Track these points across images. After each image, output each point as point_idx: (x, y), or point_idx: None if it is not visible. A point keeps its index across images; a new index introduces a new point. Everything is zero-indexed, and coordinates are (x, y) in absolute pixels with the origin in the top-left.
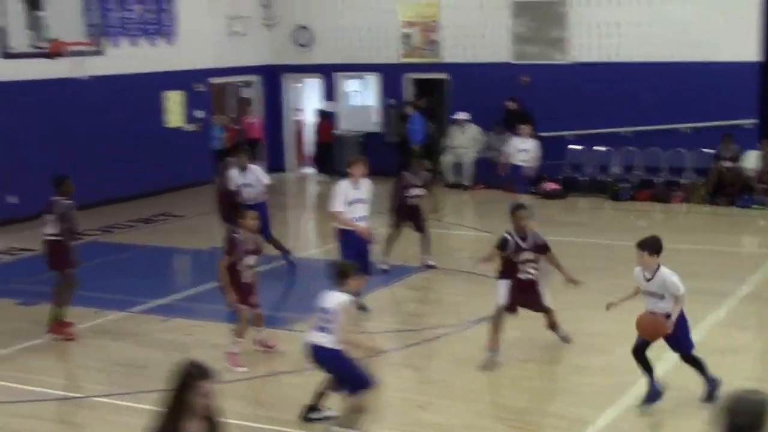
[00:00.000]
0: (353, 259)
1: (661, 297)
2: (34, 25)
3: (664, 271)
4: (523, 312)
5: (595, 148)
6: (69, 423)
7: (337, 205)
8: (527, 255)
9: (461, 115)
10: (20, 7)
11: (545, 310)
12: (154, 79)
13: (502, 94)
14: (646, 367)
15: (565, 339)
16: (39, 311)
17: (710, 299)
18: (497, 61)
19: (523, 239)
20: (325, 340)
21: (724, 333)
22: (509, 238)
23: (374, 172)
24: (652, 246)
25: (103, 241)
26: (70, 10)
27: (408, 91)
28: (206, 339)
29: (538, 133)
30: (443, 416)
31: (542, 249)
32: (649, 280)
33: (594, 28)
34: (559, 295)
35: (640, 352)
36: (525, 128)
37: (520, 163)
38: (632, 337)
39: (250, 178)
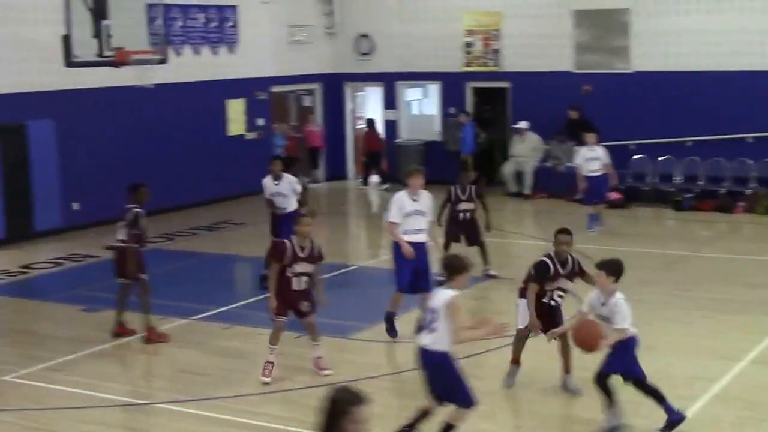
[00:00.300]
0: (406, 274)
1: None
2: (99, 33)
3: (619, 299)
4: None
5: (657, 157)
6: (134, 429)
7: (393, 216)
8: (562, 282)
9: (521, 124)
10: (85, 17)
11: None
12: (216, 87)
13: (563, 103)
14: (607, 393)
15: (575, 390)
16: (103, 317)
17: None
18: (559, 70)
19: (563, 265)
20: (431, 342)
21: None
22: (549, 264)
23: (435, 182)
24: (611, 268)
25: (165, 249)
26: (135, 19)
27: (469, 100)
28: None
29: (601, 143)
30: (506, 428)
31: (580, 274)
32: (603, 304)
33: (656, 37)
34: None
35: (601, 379)
36: (591, 136)
37: (591, 173)
38: (687, 350)
39: (284, 187)
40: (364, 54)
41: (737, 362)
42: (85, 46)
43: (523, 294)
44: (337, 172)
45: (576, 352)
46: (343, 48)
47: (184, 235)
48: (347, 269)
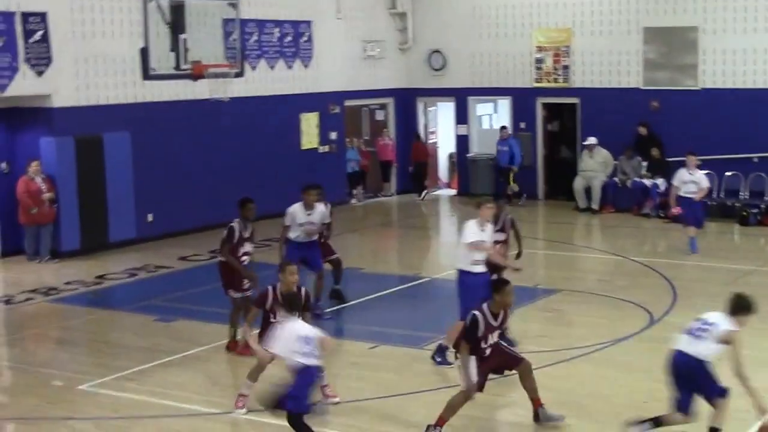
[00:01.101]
0: (470, 303)
1: None
2: (177, 47)
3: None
4: None
5: (724, 173)
6: None
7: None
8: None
9: (590, 140)
10: (163, 30)
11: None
12: (290, 100)
13: (631, 119)
14: None
15: (550, 419)
16: (176, 328)
17: None
18: (627, 86)
19: (495, 317)
20: (693, 348)
21: None
22: (479, 317)
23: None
24: None
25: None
26: (211, 33)
27: (539, 115)
28: (344, 358)
29: (667, 159)
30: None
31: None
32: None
33: (725, 54)
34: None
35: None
36: (692, 159)
37: (689, 195)
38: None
39: (315, 217)
40: (437, 69)
41: None
42: (163, 60)
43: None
44: (407, 185)
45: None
46: (416, 63)
47: (258, 246)
48: (420, 281)
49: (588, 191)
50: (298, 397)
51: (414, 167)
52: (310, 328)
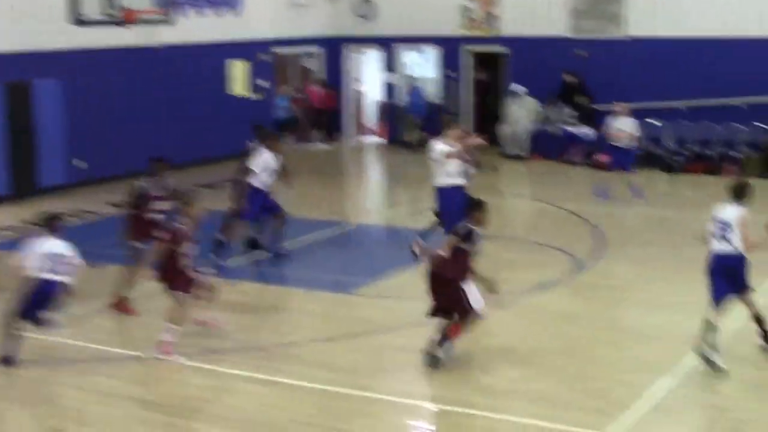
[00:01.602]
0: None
1: None
2: None
3: None
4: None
5: (649, 120)
6: (146, 384)
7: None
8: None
9: (516, 87)
10: None
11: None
12: (219, 48)
13: (559, 67)
14: None
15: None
16: (107, 273)
17: (764, 269)
18: (555, 35)
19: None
20: (729, 247)
21: None
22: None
23: None
24: None
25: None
26: None
27: (467, 64)
28: (270, 302)
29: (594, 107)
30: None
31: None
32: None
33: (651, 3)
34: (609, 264)
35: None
36: (620, 107)
37: (618, 143)
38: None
39: (278, 163)
40: (364, 17)
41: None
42: (93, 6)
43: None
44: (335, 133)
45: None
46: (344, 11)
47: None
48: (346, 227)
49: (515, 138)
50: (30, 308)
51: (320, 115)
52: (64, 246)
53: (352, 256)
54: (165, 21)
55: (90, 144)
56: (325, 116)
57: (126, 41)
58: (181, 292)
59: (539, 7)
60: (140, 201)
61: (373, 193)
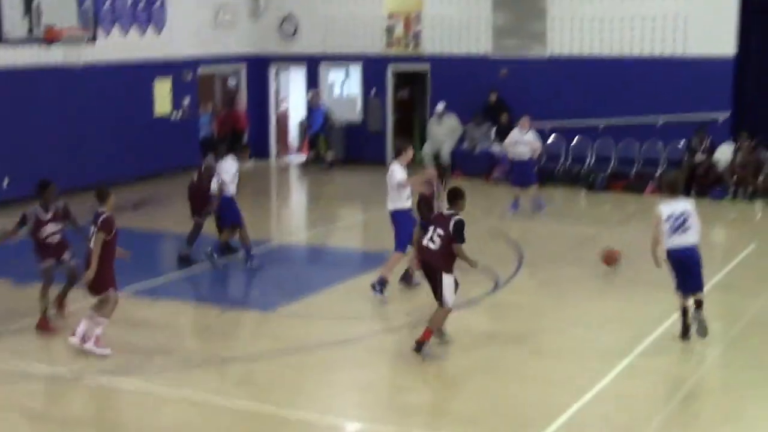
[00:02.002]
0: (406, 236)
1: None
2: (30, 11)
3: None
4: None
5: (571, 139)
6: (60, 404)
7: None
8: None
9: (439, 106)
10: None
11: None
12: (143, 67)
13: (481, 86)
14: None
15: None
16: (32, 291)
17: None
18: (477, 54)
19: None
20: (689, 239)
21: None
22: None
23: (355, 161)
24: None
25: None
26: None
27: (390, 82)
28: (193, 321)
29: (513, 124)
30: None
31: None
32: None
33: (572, 21)
34: (529, 282)
35: None
36: (525, 120)
37: (519, 157)
38: (598, 324)
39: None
40: (288, 35)
41: (647, 336)
42: (16, 25)
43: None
44: (259, 152)
45: None
46: (268, 29)
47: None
48: (269, 246)
49: (437, 157)
50: None
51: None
52: None
53: (275, 275)
54: (88, 39)
55: (12, 163)
56: (246, 135)
57: (47, 60)
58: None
59: (462, 26)
60: (34, 226)
61: (294, 213)
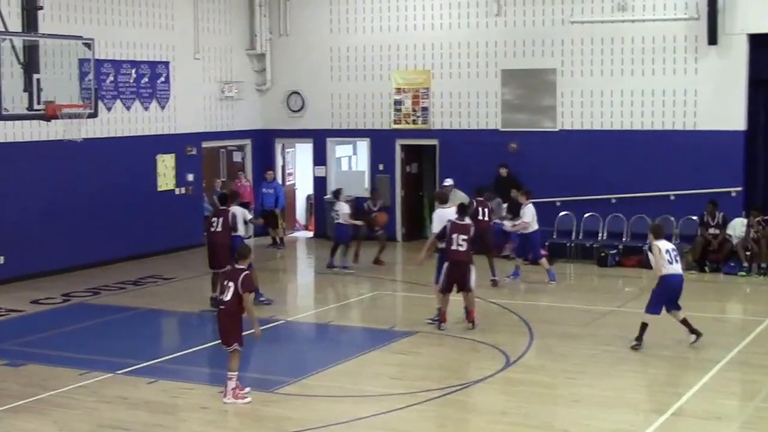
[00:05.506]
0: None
1: None
2: (30, 87)
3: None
4: None
5: (582, 214)
6: None
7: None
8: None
9: (447, 182)
10: (17, 70)
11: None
12: (146, 142)
13: (490, 160)
14: None
15: None
16: (26, 372)
17: (697, 365)
18: (486, 128)
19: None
20: (680, 269)
21: (709, 399)
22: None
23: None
24: None
25: (91, 303)
26: (66, 74)
27: (398, 157)
28: (194, 402)
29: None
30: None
31: None
32: None
33: (582, 96)
34: (545, 360)
35: None
36: (521, 194)
37: (524, 231)
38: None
39: None
40: (295, 111)
41: (661, 415)
42: (16, 100)
43: None
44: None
45: None
46: (274, 104)
47: (111, 289)
48: (275, 324)
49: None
50: None
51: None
52: None
53: (278, 353)
54: (89, 115)
55: (11, 240)
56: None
57: (49, 134)
58: None
59: (471, 101)
60: None
61: (302, 289)
